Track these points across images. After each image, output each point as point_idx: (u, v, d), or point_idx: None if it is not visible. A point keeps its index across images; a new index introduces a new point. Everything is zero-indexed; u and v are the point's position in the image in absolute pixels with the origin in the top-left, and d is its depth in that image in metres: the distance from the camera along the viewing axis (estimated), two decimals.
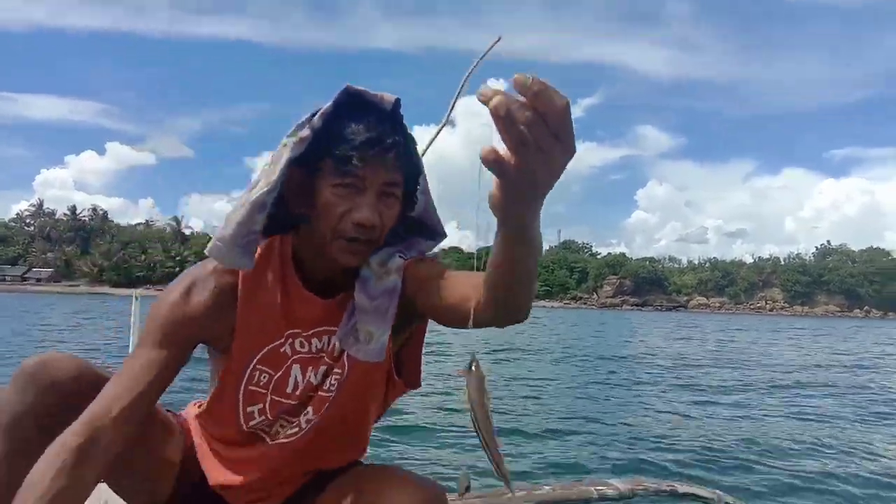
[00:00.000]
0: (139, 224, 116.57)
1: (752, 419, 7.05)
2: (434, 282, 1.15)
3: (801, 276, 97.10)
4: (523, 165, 0.64)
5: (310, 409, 1.26)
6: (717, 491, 2.44)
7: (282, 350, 1.24)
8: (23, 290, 79.53)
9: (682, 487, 2.36)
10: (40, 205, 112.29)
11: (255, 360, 1.23)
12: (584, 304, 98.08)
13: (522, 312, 1.00)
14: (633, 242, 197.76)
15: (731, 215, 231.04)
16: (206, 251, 1.18)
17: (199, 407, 1.35)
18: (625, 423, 6.31)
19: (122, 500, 1.42)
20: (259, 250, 1.22)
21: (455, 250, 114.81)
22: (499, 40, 1.73)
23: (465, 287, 1.07)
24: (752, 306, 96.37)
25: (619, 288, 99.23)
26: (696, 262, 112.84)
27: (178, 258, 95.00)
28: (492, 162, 0.66)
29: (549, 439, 5.33)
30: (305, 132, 1.11)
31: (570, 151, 0.66)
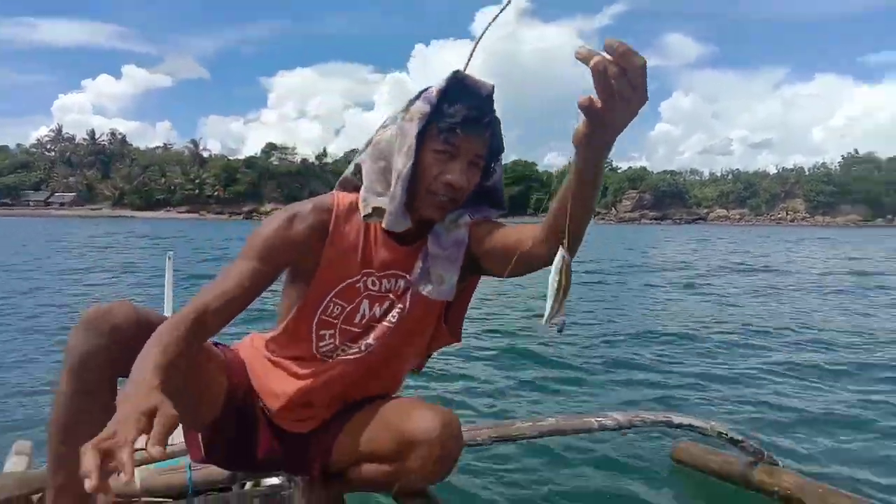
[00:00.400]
0: (157, 147, 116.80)
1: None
2: (493, 233, 1.38)
3: (825, 185, 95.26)
4: (609, 109, 0.87)
5: (371, 335, 1.45)
6: (712, 421, 2.53)
7: (356, 286, 1.42)
8: (46, 215, 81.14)
9: (678, 419, 2.45)
10: (59, 130, 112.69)
11: (332, 293, 1.42)
12: (603, 219, 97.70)
13: (577, 243, 1.18)
14: (655, 155, 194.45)
15: (757, 126, 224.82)
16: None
17: (265, 335, 1.53)
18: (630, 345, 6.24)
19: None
20: (349, 199, 1.42)
21: None
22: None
23: (522, 233, 1.30)
24: (771, 217, 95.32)
25: (638, 202, 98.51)
26: (719, 174, 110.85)
27: (196, 181, 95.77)
28: (586, 107, 0.88)
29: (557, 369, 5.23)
30: (426, 108, 1.32)
31: (644, 99, 0.87)
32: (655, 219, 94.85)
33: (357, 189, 1.43)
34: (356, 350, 1.44)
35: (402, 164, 1.33)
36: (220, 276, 1.31)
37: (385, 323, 1.45)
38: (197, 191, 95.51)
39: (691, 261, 19.43)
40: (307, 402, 1.49)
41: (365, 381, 1.50)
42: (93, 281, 12.05)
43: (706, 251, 25.14)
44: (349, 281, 1.42)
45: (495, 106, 1.38)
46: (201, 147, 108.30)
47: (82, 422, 1.23)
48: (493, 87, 1.36)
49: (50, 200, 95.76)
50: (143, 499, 1.59)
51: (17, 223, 53.49)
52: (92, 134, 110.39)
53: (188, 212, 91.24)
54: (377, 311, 1.45)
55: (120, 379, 1.26)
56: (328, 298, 1.42)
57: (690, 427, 2.44)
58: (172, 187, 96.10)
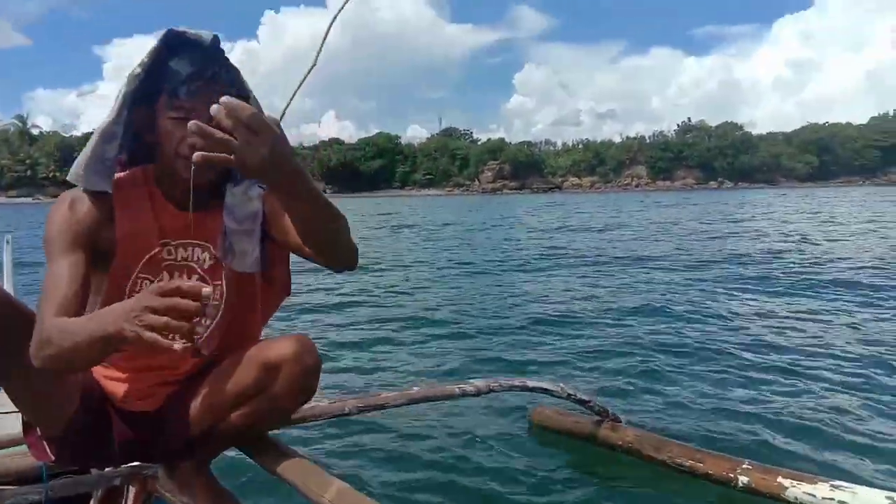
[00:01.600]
0: None
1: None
2: (284, 219, 1.38)
3: (663, 152, 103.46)
4: (237, 160, 1.00)
5: (206, 318, 1.45)
6: (561, 384, 2.69)
7: (158, 257, 1.43)
8: None
9: (532, 383, 2.61)
10: None
11: (137, 269, 1.41)
12: (467, 190, 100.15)
13: (344, 263, 1.33)
14: (513, 128, 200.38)
15: (602, 96, 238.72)
16: (68, 178, 1.35)
17: None
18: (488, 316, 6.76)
19: (10, 431, 1.61)
20: (124, 176, 1.42)
21: (336, 141, 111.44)
22: None
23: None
24: (619, 184, 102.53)
25: (498, 173, 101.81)
26: (570, 144, 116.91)
27: (27, 161, 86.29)
28: (201, 164, 0.99)
29: (419, 342, 5.60)
30: (138, 70, 1.31)
31: (267, 144, 0.99)
32: (515, 188, 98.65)
33: (126, 168, 1.46)
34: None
35: (102, 121, 1.34)
36: (46, 283, 1.29)
37: (213, 302, 1.47)
38: (29, 171, 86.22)
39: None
40: (150, 391, 1.50)
41: (220, 355, 1.53)
42: None
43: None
44: (150, 254, 1.42)
45: (227, 55, 1.36)
46: (29, 124, 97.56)
47: None
48: (215, 36, 1.33)
49: None
50: None
51: None
52: None
53: (19, 196, 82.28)
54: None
55: None
56: (135, 275, 1.42)
57: (543, 390, 2.63)
58: None
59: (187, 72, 1.29)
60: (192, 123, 0.97)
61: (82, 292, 1.30)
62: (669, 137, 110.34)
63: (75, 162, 1.36)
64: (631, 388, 4.08)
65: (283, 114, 2.38)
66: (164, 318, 1.02)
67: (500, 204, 52.00)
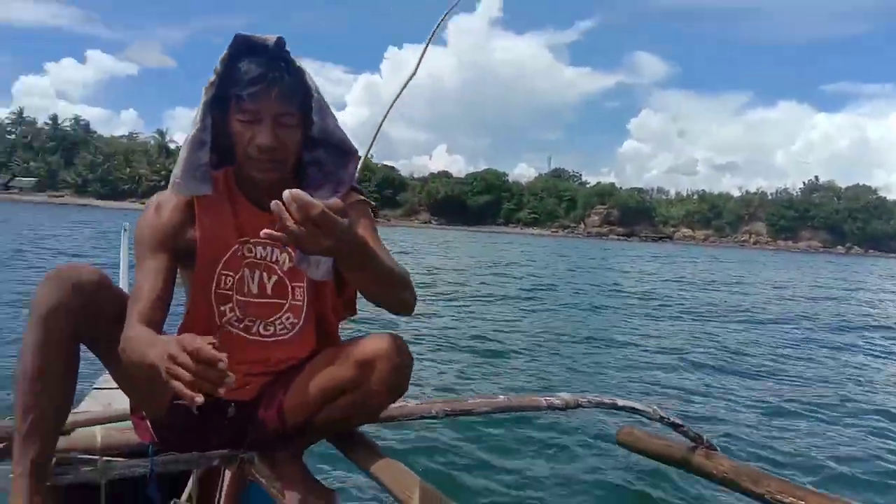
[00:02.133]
0: (122, 136, 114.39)
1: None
2: None
3: (786, 210, 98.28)
4: (304, 248, 1.07)
5: (290, 314, 1.53)
6: (654, 405, 2.58)
7: (237, 255, 1.49)
8: (7, 199, 78.89)
9: (622, 402, 2.50)
10: (20, 112, 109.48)
11: (219, 266, 1.47)
12: (572, 232, 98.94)
13: (400, 312, 1.39)
14: (624, 172, 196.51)
15: (722, 147, 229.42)
16: (170, 188, 1.44)
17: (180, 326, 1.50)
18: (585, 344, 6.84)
19: (124, 405, 1.67)
20: (213, 174, 1.48)
21: (444, 174, 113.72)
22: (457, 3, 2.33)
23: None
24: (736, 239, 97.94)
25: (606, 217, 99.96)
26: (685, 193, 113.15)
27: (163, 172, 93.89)
28: (279, 241, 1.05)
29: (513, 359, 5.76)
30: (212, 78, 1.38)
31: (333, 237, 1.03)
32: (623, 235, 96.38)
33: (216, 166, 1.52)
34: (280, 327, 1.53)
35: (190, 132, 1.41)
36: (135, 286, 1.39)
37: (295, 302, 1.53)
38: (163, 182, 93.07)
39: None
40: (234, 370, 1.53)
41: (301, 349, 1.58)
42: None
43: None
44: (231, 251, 1.48)
45: (290, 56, 1.40)
46: (168, 138, 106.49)
47: (47, 372, 1.34)
48: (280, 38, 1.37)
49: (10, 184, 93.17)
50: (104, 457, 1.58)
51: None
52: (55, 119, 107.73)
53: None
54: (266, 280, 1.51)
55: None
56: (217, 271, 1.47)
57: (634, 410, 2.52)
58: (137, 178, 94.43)
59: (251, 75, 1.33)
60: (264, 232, 1.04)
61: (163, 295, 1.38)
62: (794, 195, 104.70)
63: (174, 172, 1.45)
64: (727, 418, 4.02)
65: (377, 132, 2.50)
66: (186, 374, 1.02)
67: (606, 248, 50.95)
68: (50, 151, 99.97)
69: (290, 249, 1.50)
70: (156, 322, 1.33)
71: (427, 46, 2.61)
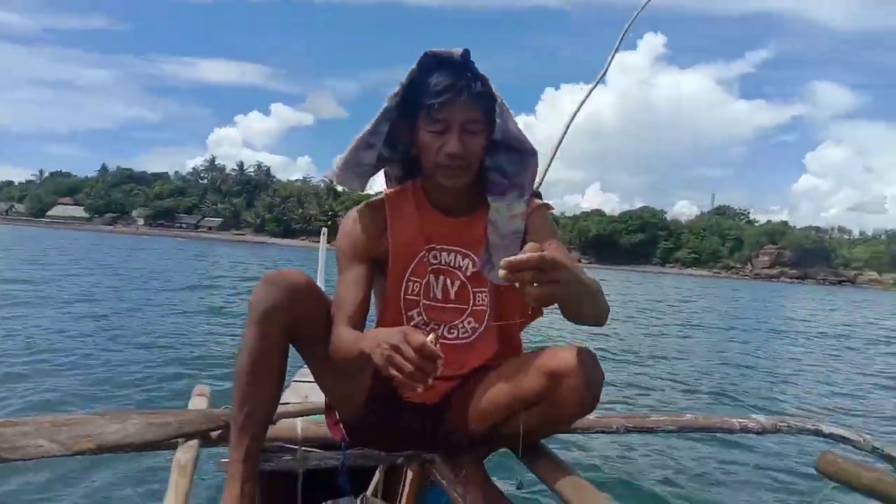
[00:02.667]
0: (297, 180, 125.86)
1: None
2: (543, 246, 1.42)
3: None
4: (540, 300, 1.12)
5: (472, 318, 1.56)
6: (865, 434, 2.33)
7: (424, 261, 1.54)
8: (196, 237, 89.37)
9: (827, 428, 2.27)
10: (212, 160, 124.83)
11: (408, 273, 1.54)
12: (737, 273, 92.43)
13: (594, 324, 1.40)
14: (798, 210, 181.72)
15: None
16: (326, 175, 1.66)
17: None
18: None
19: (321, 399, 1.74)
20: (396, 189, 1.58)
21: (597, 212, 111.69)
22: (648, 1, 2.29)
23: None
24: None
25: (777, 258, 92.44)
26: (871, 234, 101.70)
27: (330, 213, 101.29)
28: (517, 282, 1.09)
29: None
30: (397, 89, 1.44)
31: (560, 284, 1.10)
32: (796, 277, 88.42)
33: (401, 180, 1.62)
34: (463, 331, 1.57)
35: (360, 133, 1.48)
36: (338, 291, 1.49)
37: (478, 307, 1.57)
38: (330, 222, 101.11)
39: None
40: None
41: (484, 354, 1.60)
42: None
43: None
44: (418, 258, 1.54)
45: (476, 65, 1.43)
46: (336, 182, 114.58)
47: (263, 367, 1.45)
48: (465, 50, 1.42)
49: (200, 224, 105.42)
50: (302, 447, 1.70)
51: (173, 242, 59.93)
52: (241, 165, 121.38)
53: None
54: (449, 285, 1.56)
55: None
56: (406, 278, 1.54)
57: (841, 438, 2.28)
58: (308, 217, 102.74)
59: (441, 86, 1.38)
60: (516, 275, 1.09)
61: (364, 301, 1.47)
62: None
63: (333, 163, 1.53)
64: None
65: (544, 175, 2.50)
66: (408, 366, 1.11)
67: (776, 291, 46.87)
68: (235, 195, 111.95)
69: (473, 255, 1.54)
70: (358, 328, 1.43)
71: (595, 86, 2.61)
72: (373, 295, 1.57)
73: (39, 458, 1.49)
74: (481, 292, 1.57)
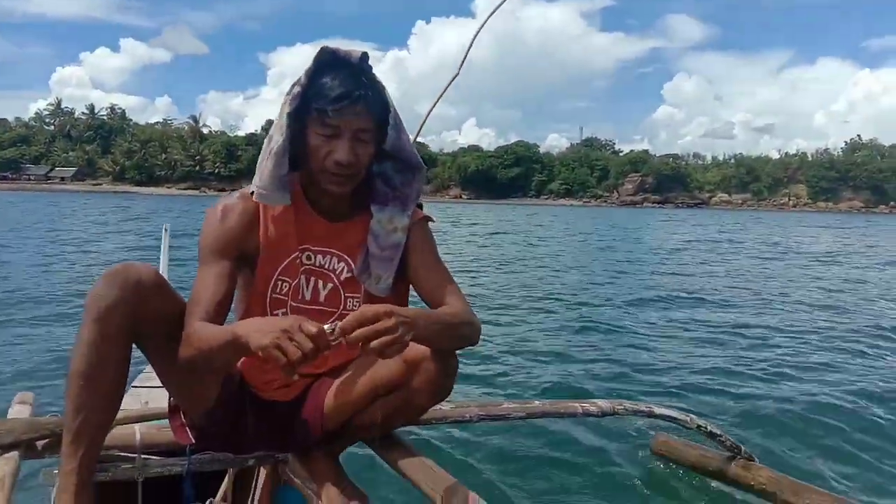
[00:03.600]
0: (157, 123, 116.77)
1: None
2: (421, 262, 1.53)
3: (827, 171, 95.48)
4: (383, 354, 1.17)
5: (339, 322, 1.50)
6: (691, 414, 2.53)
7: (297, 261, 1.52)
8: (48, 189, 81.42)
9: (659, 409, 2.45)
10: (58, 104, 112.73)
11: (277, 271, 1.51)
12: (605, 202, 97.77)
13: (460, 348, 1.44)
14: (658, 139, 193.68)
15: (760, 109, 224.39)
16: (254, 198, 1.46)
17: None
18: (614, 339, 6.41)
19: (162, 404, 1.69)
20: None
21: (474, 148, 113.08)
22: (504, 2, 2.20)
23: (435, 293, 1.47)
24: (774, 203, 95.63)
25: (640, 185, 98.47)
26: (721, 158, 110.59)
27: (197, 157, 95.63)
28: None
29: (545, 357, 5.49)
30: (297, 89, 1.39)
31: (397, 338, 1.15)
32: (657, 202, 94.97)
33: None
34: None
35: (273, 141, 1.43)
36: (196, 286, 1.41)
37: (347, 312, 1.51)
38: (197, 167, 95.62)
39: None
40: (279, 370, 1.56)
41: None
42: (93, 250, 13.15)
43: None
44: (290, 257, 1.51)
45: (374, 71, 1.42)
46: (201, 123, 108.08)
47: (101, 370, 1.34)
48: (364, 53, 1.41)
49: (50, 175, 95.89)
50: (142, 454, 1.61)
51: (20, 196, 53.94)
52: (91, 108, 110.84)
53: (188, 188, 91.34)
54: (321, 287, 1.54)
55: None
56: (275, 277, 1.51)
57: (671, 419, 2.45)
58: (173, 163, 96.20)
59: (336, 92, 1.35)
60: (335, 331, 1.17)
61: (225, 299, 1.40)
62: (835, 156, 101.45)
63: (256, 180, 1.47)
64: (765, 426, 3.74)
65: (424, 122, 2.45)
66: (296, 352, 1.11)
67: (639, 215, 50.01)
68: (88, 141, 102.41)
69: (349, 259, 1.54)
70: (219, 319, 1.36)
71: (475, 38, 2.50)
72: (240, 285, 1.53)
73: None
74: (354, 297, 1.55)
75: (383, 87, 1.45)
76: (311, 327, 1.13)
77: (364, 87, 1.38)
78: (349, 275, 1.54)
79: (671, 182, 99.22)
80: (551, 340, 6.11)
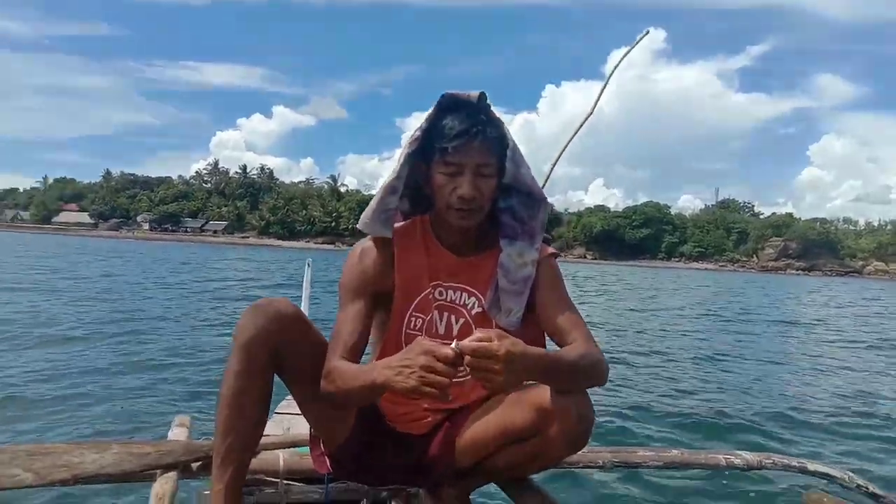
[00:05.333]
0: (300, 182, 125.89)
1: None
2: (549, 298, 1.53)
3: None
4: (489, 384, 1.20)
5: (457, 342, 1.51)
6: (849, 472, 2.33)
7: (429, 297, 1.57)
8: (201, 241, 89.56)
9: (813, 465, 2.27)
10: (216, 164, 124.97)
11: (411, 308, 1.56)
12: (742, 266, 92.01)
13: (585, 389, 1.41)
14: (803, 202, 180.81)
15: None
16: (357, 225, 1.55)
17: (373, 360, 1.59)
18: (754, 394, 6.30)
19: (304, 431, 1.72)
20: (405, 225, 1.60)
21: (600, 208, 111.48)
22: (646, 34, 2.24)
23: (561, 330, 1.48)
24: None
25: (783, 251, 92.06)
26: (876, 224, 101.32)
27: (333, 214, 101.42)
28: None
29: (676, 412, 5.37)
30: (417, 133, 1.48)
31: (500, 375, 1.16)
32: (803, 269, 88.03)
33: (407, 214, 1.63)
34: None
35: (387, 177, 1.52)
36: (337, 324, 1.49)
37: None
38: (333, 223, 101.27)
39: None
40: (414, 403, 1.60)
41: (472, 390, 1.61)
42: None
43: None
44: (423, 294, 1.56)
45: (491, 109, 1.47)
46: (339, 183, 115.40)
47: (247, 395, 1.43)
48: (482, 93, 1.46)
49: (205, 228, 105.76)
50: (284, 480, 1.68)
51: (179, 247, 59.91)
52: (244, 168, 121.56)
53: (325, 242, 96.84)
54: (454, 321, 1.57)
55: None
56: (409, 313, 1.56)
57: (827, 476, 2.27)
58: (312, 219, 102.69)
59: (456, 130, 1.41)
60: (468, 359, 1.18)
61: (363, 336, 1.48)
62: None
63: (363, 213, 1.55)
64: None
65: (549, 175, 2.47)
66: (444, 380, 1.17)
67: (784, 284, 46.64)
68: (239, 197, 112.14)
69: (479, 294, 1.56)
70: (354, 363, 1.42)
71: (605, 86, 2.56)
72: (376, 324, 1.58)
73: (14, 489, 1.47)
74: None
75: (501, 123, 1.49)
76: (446, 351, 1.18)
77: (482, 123, 1.43)
78: (479, 310, 1.56)
79: (818, 248, 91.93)
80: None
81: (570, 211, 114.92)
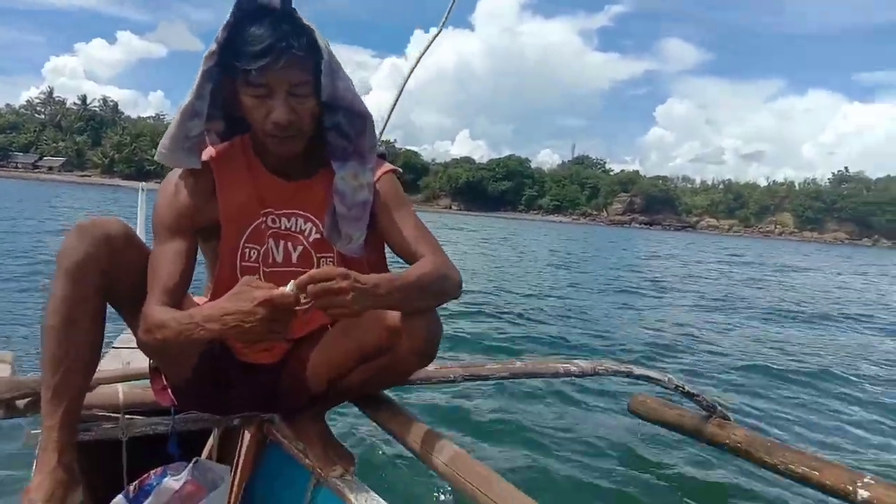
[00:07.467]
0: (149, 117, 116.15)
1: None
2: (391, 217, 1.46)
3: (813, 201, 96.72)
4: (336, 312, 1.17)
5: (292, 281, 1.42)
6: (669, 375, 2.55)
7: (262, 227, 1.44)
8: (35, 178, 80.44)
9: (638, 370, 2.49)
10: (50, 93, 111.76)
11: (243, 239, 1.44)
12: (594, 220, 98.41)
13: (437, 306, 1.38)
14: (648, 160, 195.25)
15: (750, 136, 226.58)
16: (156, 157, 1.37)
17: (203, 298, 1.52)
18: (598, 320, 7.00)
19: (144, 364, 1.62)
20: (224, 148, 1.44)
21: (466, 160, 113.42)
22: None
23: (408, 248, 1.42)
24: (760, 230, 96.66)
25: (629, 206, 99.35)
26: (710, 182, 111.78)
27: None
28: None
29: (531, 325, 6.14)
30: (213, 46, 1.26)
31: (346, 294, 1.12)
32: (645, 223, 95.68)
33: (224, 136, 1.47)
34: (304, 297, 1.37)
35: (183, 102, 1.32)
36: (152, 265, 1.34)
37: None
38: None
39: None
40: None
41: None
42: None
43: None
44: (254, 224, 1.44)
45: (298, 14, 1.27)
46: None
47: (75, 325, 1.29)
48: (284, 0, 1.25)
49: (38, 164, 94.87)
50: (126, 414, 1.58)
51: (7, 184, 53.51)
52: (83, 99, 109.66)
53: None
54: (292, 250, 1.47)
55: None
56: (241, 245, 1.44)
57: (649, 379, 2.49)
58: None
59: (258, 47, 1.22)
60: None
61: (184, 276, 1.34)
62: (822, 186, 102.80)
63: (161, 142, 1.36)
64: (741, 388, 4.01)
65: (388, 119, 2.55)
66: (268, 331, 1.11)
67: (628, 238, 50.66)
68: (78, 132, 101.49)
69: (315, 220, 1.47)
70: (176, 306, 1.30)
71: (438, 33, 2.67)
72: (207, 256, 1.51)
73: None
74: (327, 258, 1.50)
75: (312, 30, 1.28)
76: (286, 297, 1.11)
77: (288, 36, 1.24)
78: (318, 236, 1.47)
79: (660, 204, 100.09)
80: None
81: (437, 161, 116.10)
